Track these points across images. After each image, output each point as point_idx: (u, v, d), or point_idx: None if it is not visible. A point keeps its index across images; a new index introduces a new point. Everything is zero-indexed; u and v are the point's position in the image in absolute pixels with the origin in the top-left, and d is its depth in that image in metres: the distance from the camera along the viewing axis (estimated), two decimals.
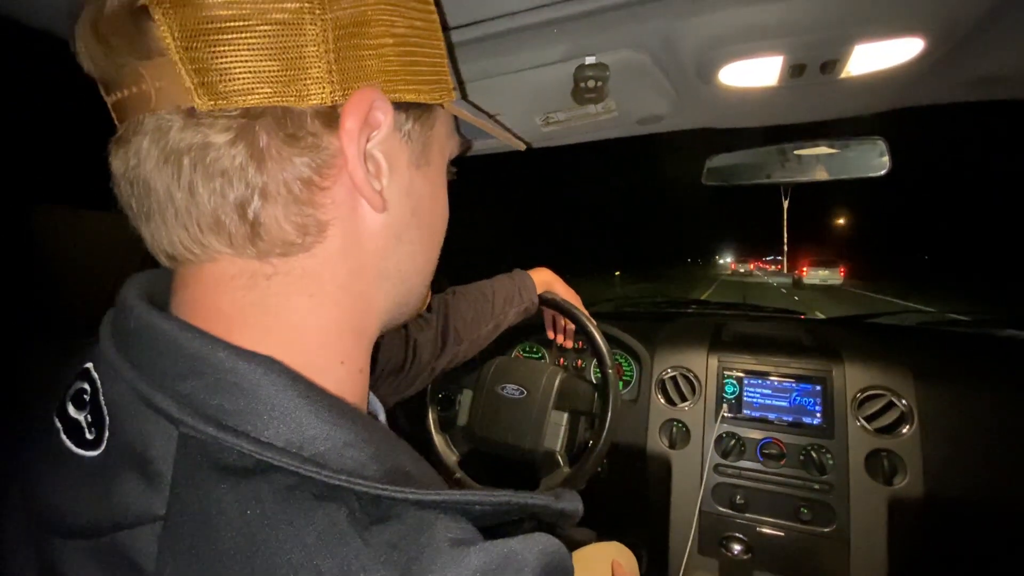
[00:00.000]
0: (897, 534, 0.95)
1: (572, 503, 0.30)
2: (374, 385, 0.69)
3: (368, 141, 0.28)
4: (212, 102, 0.24)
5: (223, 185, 0.25)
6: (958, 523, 0.95)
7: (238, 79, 0.24)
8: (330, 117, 0.26)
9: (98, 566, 0.23)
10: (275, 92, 0.24)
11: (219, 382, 0.24)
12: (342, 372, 0.30)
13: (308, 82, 0.25)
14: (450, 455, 1.01)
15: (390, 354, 0.71)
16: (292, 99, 0.25)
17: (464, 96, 0.44)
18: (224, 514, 0.22)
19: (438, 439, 1.02)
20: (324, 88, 0.25)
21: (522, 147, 0.52)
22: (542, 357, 1.43)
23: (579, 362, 1.38)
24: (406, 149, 0.31)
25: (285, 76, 0.24)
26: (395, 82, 0.28)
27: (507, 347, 1.46)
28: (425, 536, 0.23)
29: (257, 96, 0.24)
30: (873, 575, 0.96)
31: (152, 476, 0.23)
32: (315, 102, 0.25)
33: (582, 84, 0.66)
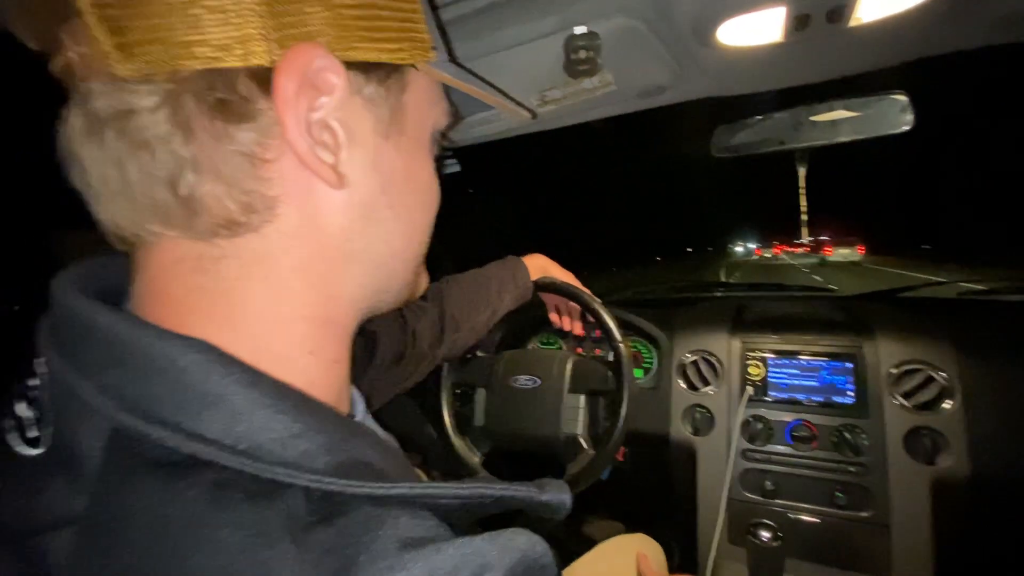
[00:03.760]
0: (942, 517, 0.89)
1: (557, 494, 0.27)
2: (376, 376, 0.68)
3: (315, 109, 0.25)
4: (132, 66, 0.22)
5: (148, 158, 0.23)
6: (1008, 504, 0.89)
7: (158, 40, 0.21)
8: (268, 80, 0.24)
9: (15, 572, 0.21)
10: (202, 53, 0.22)
11: (146, 369, 0.22)
12: (311, 363, 0.28)
13: (239, 40, 0.22)
14: (471, 457, 0.99)
15: (390, 344, 0.70)
16: (222, 60, 0.22)
17: (453, 58, 0.41)
18: (141, 514, 0.20)
19: (458, 442, 1.00)
20: (258, 46, 0.23)
21: (528, 116, 0.48)
22: (559, 348, 1.40)
23: (597, 350, 1.34)
24: (369, 116, 0.28)
25: (212, 35, 0.22)
26: (348, 38, 0.25)
27: (523, 340, 1.44)
28: (369, 536, 0.20)
29: (182, 58, 0.22)
30: (917, 560, 0.90)
31: (78, 474, 0.21)
32: (247, 63, 0.23)
33: (573, 56, 0.63)
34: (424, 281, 0.40)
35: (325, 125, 0.26)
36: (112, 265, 0.28)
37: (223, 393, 0.22)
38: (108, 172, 0.23)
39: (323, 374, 0.29)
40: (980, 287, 1.27)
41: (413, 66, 0.30)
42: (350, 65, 0.26)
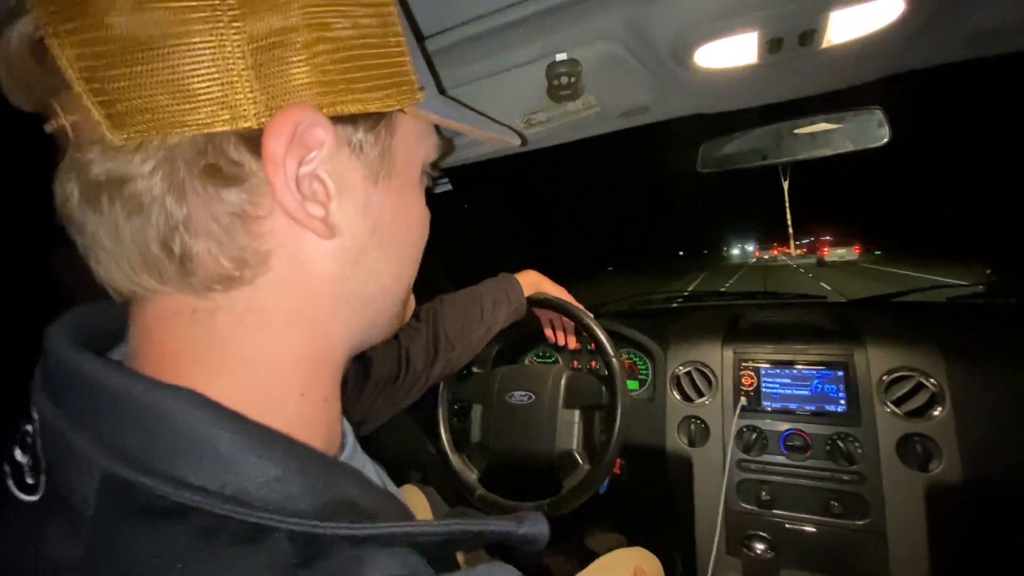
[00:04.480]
0: (937, 523, 0.90)
1: (535, 526, 0.28)
2: (371, 398, 0.69)
3: (304, 164, 0.26)
4: (124, 135, 0.22)
5: (143, 221, 0.24)
6: (1002, 508, 0.89)
7: (148, 109, 0.22)
8: (257, 142, 0.24)
9: None
10: (192, 120, 0.23)
11: (136, 419, 0.23)
12: (303, 404, 0.29)
13: (226, 106, 0.23)
14: (469, 473, 0.99)
15: (383, 365, 0.70)
16: (211, 126, 0.23)
17: (442, 91, 0.41)
18: (133, 562, 0.20)
19: (455, 459, 1.00)
20: (247, 110, 0.23)
21: (517, 142, 0.49)
22: (556, 362, 1.41)
23: (592, 363, 1.35)
24: (359, 165, 0.29)
25: (200, 102, 0.23)
26: (334, 93, 0.26)
27: (519, 356, 1.45)
28: None
29: (173, 125, 0.23)
30: (914, 568, 0.90)
31: (74, 522, 0.22)
32: (236, 127, 0.24)
33: (555, 82, 0.65)
34: (411, 307, 0.40)
35: (315, 177, 0.26)
36: (105, 313, 0.29)
37: (209, 441, 0.22)
38: (104, 234, 0.24)
39: (313, 413, 0.29)
40: (969, 292, 1.28)
41: (401, 110, 0.30)
42: (337, 118, 0.26)
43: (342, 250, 0.29)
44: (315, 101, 0.25)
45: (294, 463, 0.24)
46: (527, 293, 0.91)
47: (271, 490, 0.22)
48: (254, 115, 0.24)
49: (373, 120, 0.29)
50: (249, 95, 0.23)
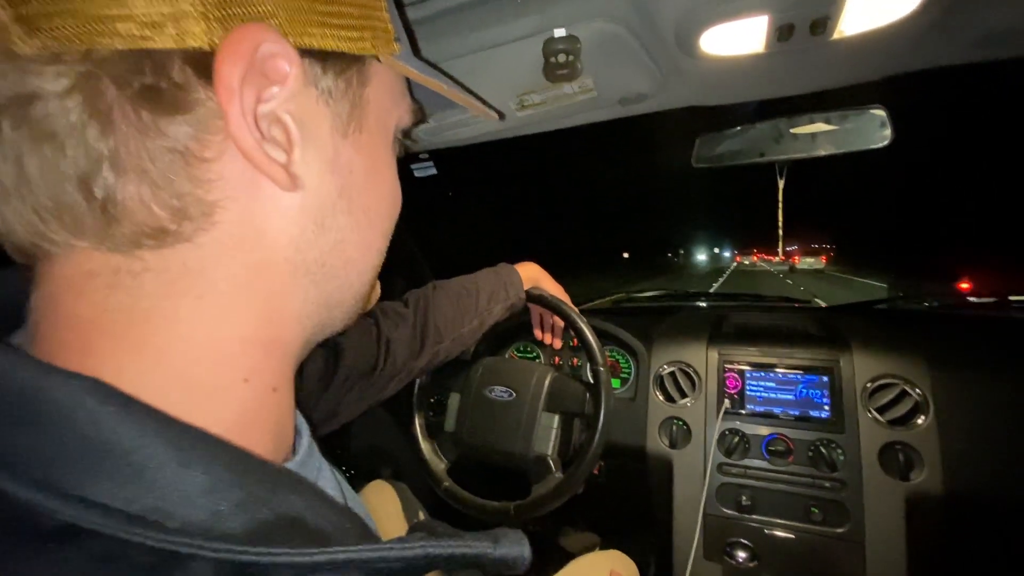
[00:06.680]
0: (916, 533, 0.89)
1: (514, 548, 0.24)
2: (342, 392, 0.64)
3: (264, 100, 0.22)
4: (37, 43, 0.18)
5: (55, 152, 0.19)
6: (982, 519, 0.89)
7: (70, 12, 0.18)
8: (207, 66, 0.20)
9: None
10: (125, 31, 0.18)
11: (23, 414, 0.18)
12: (245, 392, 0.24)
13: (171, 17, 0.19)
14: (438, 463, 0.96)
15: (357, 356, 0.65)
16: (150, 40, 0.19)
17: (417, 53, 0.38)
18: None
19: (425, 446, 0.97)
20: (196, 25, 0.19)
21: (494, 116, 0.46)
22: (537, 357, 1.38)
23: (574, 360, 1.32)
24: (327, 112, 0.25)
25: (139, 8, 0.18)
26: (302, 22, 0.22)
27: (501, 347, 1.41)
28: None
29: (101, 35, 0.18)
30: None
31: None
32: (183, 44, 0.19)
33: (552, 59, 0.61)
34: (376, 293, 0.36)
35: (275, 119, 0.23)
36: (6, 283, 0.24)
37: (115, 445, 0.18)
38: (5, 169, 0.20)
39: (259, 405, 0.25)
40: (954, 301, 1.29)
41: (376, 58, 0.27)
42: (305, 53, 0.23)
43: (304, 209, 0.25)
44: (279, 28, 0.21)
45: (224, 473, 0.19)
46: (524, 287, 0.87)
47: (194, 506, 0.18)
48: (205, 32, 0.20)
49: (344, 63, 0.25)
50: (200, 8, 0.19)
